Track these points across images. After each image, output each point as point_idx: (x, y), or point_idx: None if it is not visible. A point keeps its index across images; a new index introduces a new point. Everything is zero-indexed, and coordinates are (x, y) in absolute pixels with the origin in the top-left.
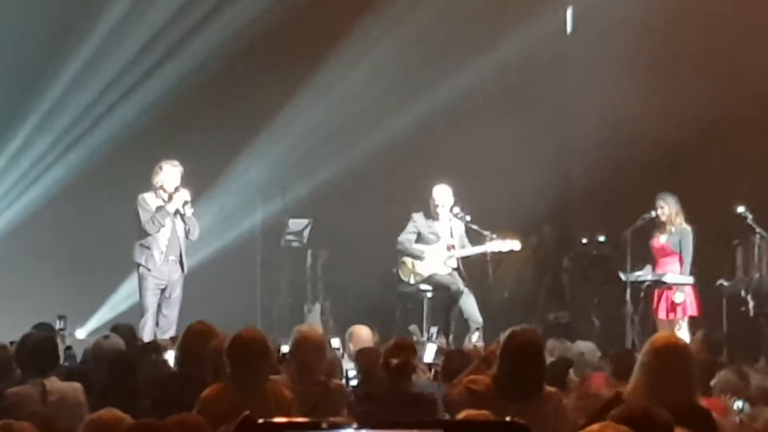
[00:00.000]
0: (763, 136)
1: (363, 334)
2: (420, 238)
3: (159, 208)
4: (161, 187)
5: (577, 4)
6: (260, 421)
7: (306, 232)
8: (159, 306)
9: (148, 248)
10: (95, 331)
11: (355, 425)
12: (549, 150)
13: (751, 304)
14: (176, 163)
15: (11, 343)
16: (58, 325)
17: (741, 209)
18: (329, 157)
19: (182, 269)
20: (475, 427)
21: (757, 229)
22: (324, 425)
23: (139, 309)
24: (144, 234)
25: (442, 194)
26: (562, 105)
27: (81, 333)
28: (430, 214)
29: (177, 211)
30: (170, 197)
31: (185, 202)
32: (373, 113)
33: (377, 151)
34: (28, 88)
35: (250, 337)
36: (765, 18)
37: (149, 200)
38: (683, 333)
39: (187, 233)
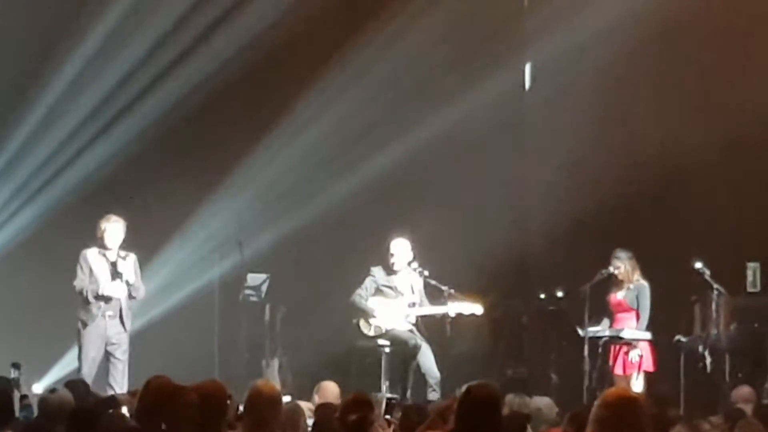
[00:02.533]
0: (721, 190)
1: (329, 390)
2: (378, 292)
3: (101, 270)
4: (103, 245)
5: (535, 59)
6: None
7: (264, 287)
8: (107, 363)
9: (88, 304)
10: (53, 385)
11: None
12: (507, 205)
13: (708, 360)
14: (118, 218)
15: None
16: (12, 374)
17: (699, 265)
18: (288, 211)
19: (123, 326)
20: None
21: (715, 285)
22: None
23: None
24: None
25: (400, 248)
26: (520, 160)
27: (38, 387)
28: (389, 268)
29: (119, 275)
30: (114, 264)
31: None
32: (331, 168)
33: (336, 205)
34: None
35: (210, 389)
36: (722, 68)
37: (90, 257)
38: (638, 387)
39: (130, 290)
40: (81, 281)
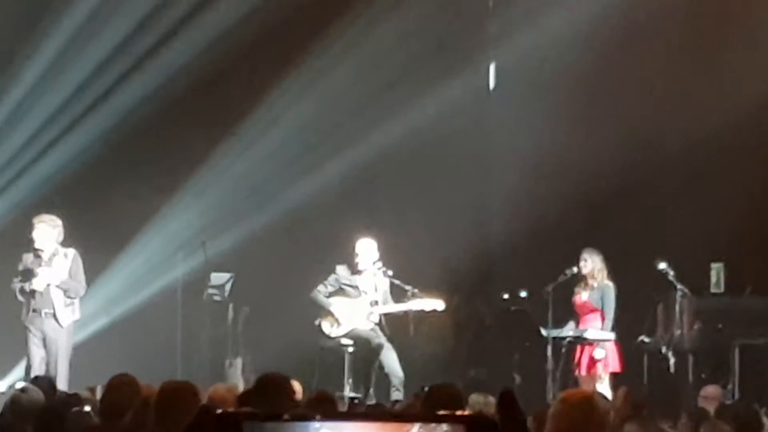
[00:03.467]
0: (685, 190)
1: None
2: (340, 291)
3: (31, 267)
4: (34, 247)
5: (499, 60)
6: (218, 411)
7: (228, 286)
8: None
9: (24, 304)
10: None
11: (318, 416)
12: (470, 205)
13: (671, 361)
14: (51, 219)
15: None
16: None
17: (662, 266)
18: (252, 211)
19: (58, 324)
20: (448, 419)
21: (678, 286)
22: (286, 416)
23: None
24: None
25: (366, 248)
26: (483, 160)
27: (1, 386)
28: (354, 268)
29: (59, 264)
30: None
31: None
32: (295, 168)
33: (299, 205)
34: None
35: (178, 387)
36: (686, 68)
37: (24, 259)
38: (604, 389)
39: (66, 291)
40: (15, 282)
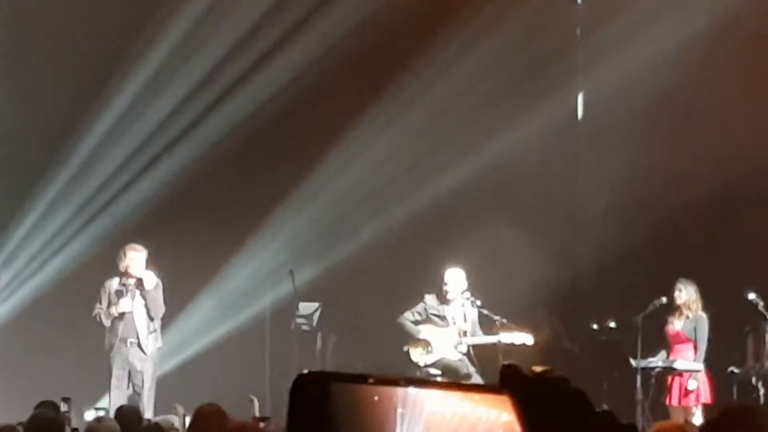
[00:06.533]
0: None
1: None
2: (428, 321)
3: (118, 293)
4: (125, 273)
5: (587, 89)
6: (305, 371)
7: (316, 316)
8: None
9: (109, 333)
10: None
11: (402, 382)
12: (559, 235)
13: (761, 392)
14: (140, 247)
15: (19, 424)
16: (63, 407)
17: (752, 296)
18: (340, 239)
19: (143, 351)
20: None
21: None
22: (371, 380)
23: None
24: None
25: (455, 277)
26: (572, 189)
27: (89, 415)
28: (443, 297)
29: (140, 292)
30: (136, 282)
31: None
32: (384, 196)
33: (387, 234)
34: (43, 168)
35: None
36: None
37: (110, 287)
38: (697, 420)
39: (148, 313)
40: (96, 310)
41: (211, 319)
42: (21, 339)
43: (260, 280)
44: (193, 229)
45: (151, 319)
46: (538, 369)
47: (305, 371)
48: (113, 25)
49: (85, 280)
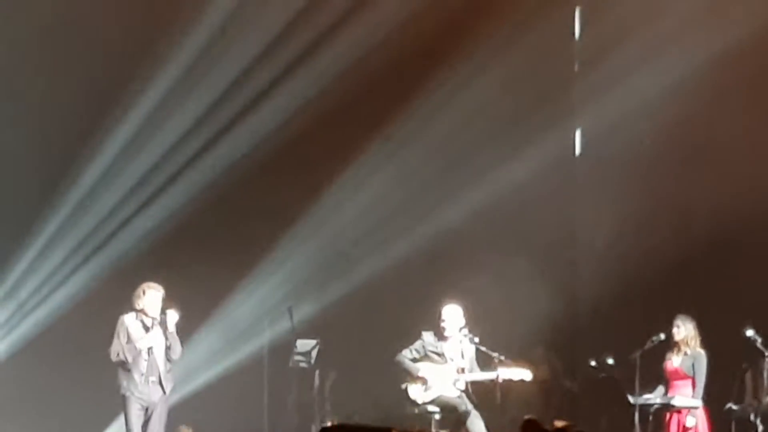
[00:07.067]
0: None
1: None
2: (426, 358)
3: (138, 329)
4: (142, 311)
5: (585, 125)
6: (328, 424)
7: (314, 353)
8: (143, 427)
9: (129, 371)
10: None
11: None
12: (556, 271)
13: (760, 429)
14: (158, 286)
15: None
16: None
17: (750, 332)
18: (338, 277)
19: (163, 390)
20: None
21: (766, 353)
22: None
23: None
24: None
25: (452, 314)
26: (570, 226)
27: None
28: (440, 334)
29: (163, 329)
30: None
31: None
32: (380, 234)
33: (385, 271)
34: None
35: None
36: None
37: (128, 323)
38: None
39: (167, 351)
40: (116, 346)
41: (208, 357)
42: (19, 377)
43: (258, 317)
44: (192, 265)
45: (169, 360)
46: (559, 424)
47: (329, 423)
48: (114, 61)
49: (84, 318)
